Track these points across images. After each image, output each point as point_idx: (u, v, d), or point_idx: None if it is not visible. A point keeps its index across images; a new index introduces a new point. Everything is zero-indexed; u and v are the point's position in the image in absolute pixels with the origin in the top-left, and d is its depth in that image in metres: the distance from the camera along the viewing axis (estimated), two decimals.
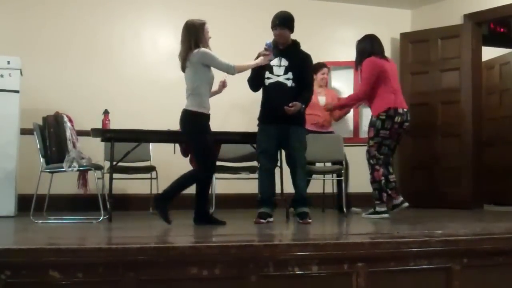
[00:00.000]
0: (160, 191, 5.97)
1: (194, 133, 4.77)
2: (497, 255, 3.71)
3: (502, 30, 8.41)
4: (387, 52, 7.74)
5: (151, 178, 6.17)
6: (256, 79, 5.16)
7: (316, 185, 6.77)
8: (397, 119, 5.49)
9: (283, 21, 5.13)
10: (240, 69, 4.80)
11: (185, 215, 5.80)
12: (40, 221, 5.06)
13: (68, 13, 6.72)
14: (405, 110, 5.55)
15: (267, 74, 5.11)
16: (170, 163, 6.06)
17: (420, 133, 7.52)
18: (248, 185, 6.21)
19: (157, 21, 7.07)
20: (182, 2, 7.07)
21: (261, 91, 5.25)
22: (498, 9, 7.05)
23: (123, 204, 6.21)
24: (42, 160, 5.32)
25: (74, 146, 5.35)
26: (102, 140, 5.59)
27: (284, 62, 5.12)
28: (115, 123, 5.63)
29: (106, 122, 5.55)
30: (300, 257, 3.26)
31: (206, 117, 4.82)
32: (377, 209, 5.56)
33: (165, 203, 4.73)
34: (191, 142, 4.91)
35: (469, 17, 7.33)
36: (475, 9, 7.25)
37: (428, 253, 3.52)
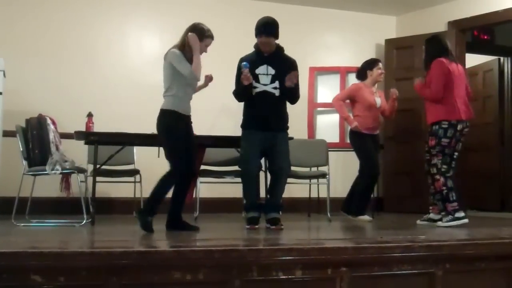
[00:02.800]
0: (144, 195, 5.97)
1: (164, 132, 4.59)
2: (479, 261, 3.74)
3: (485, 37, 8.49)
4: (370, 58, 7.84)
5: (134, 182, 6.14)
6: (245, 93, 5.03)
7: (301, 190, 6.79)
8: (459, 126, 5.31)
9: (270, 30, 5.01)
10: (196, 69, 4.53)
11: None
12: (22, 224, 5.01)
13: (53, 15, 6.68)
14: (468, 119, 5.38)
15: (254, 83, 4.99)
16: (154, 166, 6.00)
17: (403, 138, 7.56)
18: (233, 189, 6.21)
19: (142, 24, 7.05)
20: (167, 6, 7.06)
21: None
22: (481, 17, 7.12)
23: (106, 208, 6.17)
24: (24, 162, 5.27)
25: (57, 148, 5.31)
26: (86, 143, 5.55)
27: (271, 71, 5.02)
28: (99, 126, 5.61)
29: (90, 124, 5.52)
30: (284, 262, 3.26)
31: (180, 116, 4.59)
32: (456, 215, 5.27)
33: (148, 217, 4.51)
34: (162, 142, 4.69)
35: (453, 24, 7.40)
36: (459, 17, 7.32)
37: (411, 258, 3.54)
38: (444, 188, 5.30)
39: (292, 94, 5.04)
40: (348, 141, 6.31)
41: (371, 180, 6.02)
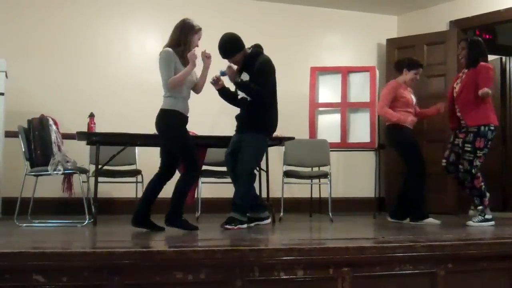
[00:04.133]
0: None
1: (169, 132, 4.59)
2: (481, 261, 3.74)
3: (487, 36, 8.47)
4: (373, 58, 7.85)
5: (136, 182, 6.14)
6: (226, 98, 5.20)
7: (303, 190, 6.79)
8: (495, 132, 5.48)
9: (224, 53, 5.00)
10: (173, 83, 4.50)
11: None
12: (24, 224, 5.02)
13: (54, 16, 6.68)
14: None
15: (238, 90, 5.09)
16: (156, 167, 6.01)
17: None
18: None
19: (143, 23, 7.05)
20: (168, 5, 7.06)
21: None
22: (483, 16, 7.12)
23: (108, 208, 6.18)
24: (26, 163, 5.28)
25: (59, 149, 5.32)
26: (88, 144, 5.56)
27: (246, 77, 5.03)
28: (101, 126, 5.61)
29: (92, 125, 5.52)
30: (286, 262, 3.27)
31: (182, 116, 4.60)
32: (486, 216, 5.40)
33: (178, 218, 4.58)
34: (167, 143, 4.68)
35: (454, 23, 7.40)
36: (461, 16, 7.32)
37: (413, 258, 3.54)
38: (482, 184, 5.44)
39: (242, 90, 5.05)
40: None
41: (424, 177, 5.83)
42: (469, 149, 5.44)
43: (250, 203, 5.05)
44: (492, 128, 5.42)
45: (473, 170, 5.42)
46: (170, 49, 4.53)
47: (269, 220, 5.23)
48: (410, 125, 5.87)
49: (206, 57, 4.71)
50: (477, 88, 5.37)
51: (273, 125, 5.13)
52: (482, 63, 5.47)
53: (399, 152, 5.99)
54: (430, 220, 5.67)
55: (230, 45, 4.99)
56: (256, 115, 5.02)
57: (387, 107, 5.86)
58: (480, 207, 5.47)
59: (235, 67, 5.03)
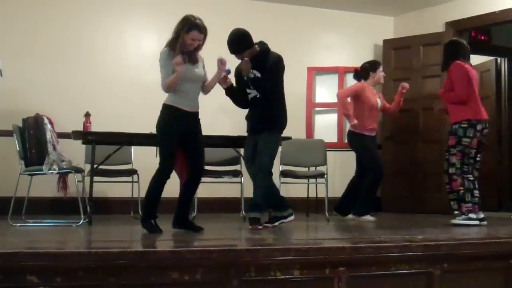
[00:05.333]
0: (142, 195, 5.96)
1: (158, 126, 4.51)
2: (476, 260, 3.75)
3: (483, 38, 8.51)
4: (370, 59, 7.82)
5: (132, 182, 6.13)
6: (233, 97, 5.07)
7: (299, 190, 6.79)
8: (478, 127, 5.38)
9: (234, 49, 4.92)
10: (168, 86, 4.44)
11: (166, 219, 5.77)
12: (18, 224, 5.00)
13: (51, 15, 6.66)
14: (486, 119, 5.47)
15: (248, 89, 5.01)
16: (152, 166, 5.97)
17: (401, 138, 7.57)
18: (231, 189, 6.20)
19: (140, 22, 7.03)
20: (165, 4, 7.05)
21: None
22: (479, 18, 7.13)
23: (103, 208, 6.16)
24: (21, 162, 5.26)
25: (54, 148, 5.30)
26: (83, 143, 5.54)
27: (258, 75, 4.96)
28: (97, 126, 5.60)
29: (88, 124, 5.51)
30: (282, 262, 3.26)
31: (180, 112, 4.49)
32: (470, 215, 5.33)
33: (180, 222, 4.58)
34: (157, 138, 4.60)
35: (450, 25, 7.41)
36: (457, 17, 7.33)
37: (409, 258, 3.54)
38: (461, 188, 5.36)
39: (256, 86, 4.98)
40: (346, 141, 6.31)
41: (377, 181, 6.08)
42: (445, 148, 5.52)
43: (274, 201, 5.04)
44: (464, 125, 5.35)
45: (450, 170, 5.41)
46: (166, 49, 4.49)
47: (292, 217, 5.05)
48: (364, 131, 6.08)
49: (221, 63, 4.65)
50: (451, 89, 5.43)
51: (286, 121, 5.10)
52: (454, 63, 5.44)
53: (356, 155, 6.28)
54: (368, 217, 5.94)
55: (240, 41, 4.92)
56: (270, 113, 4.99)
57: (346, 98, 6.14)
58: (457, 212, 5.40)
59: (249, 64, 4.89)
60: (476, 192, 5.40)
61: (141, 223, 4.51)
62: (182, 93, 4.50)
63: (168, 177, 4.54)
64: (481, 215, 5.41)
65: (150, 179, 4.54)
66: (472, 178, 5.41)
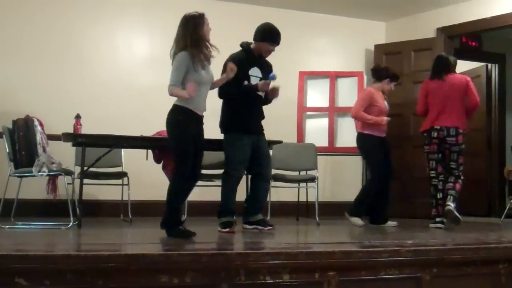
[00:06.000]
0: (132, 198, 5.95)
1: (172, 128, 4.42)
2: (466, 265, 3.76)
3: (473, 44, 8.55)
4: (361, 63, 7.87)
5: (122, 184, 6.11)
6: (237, 91, 5.01)
7: (290, 194, 6.79)
8: (433, 134, 5.82)
9: (280, 40, 5.14)
10: (174, 95, 4.45)
11: (158, 222, 5.76)
12: (7, 226, 4.97)
13: (41, 15, 6.63)
14: (444, 126, 5.78)
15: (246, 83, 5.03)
16: (142, 169, 6.02)
17: (392, 143, 7.56)
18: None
19: (131, 25, 7.01)
20: (156, 7, 7.04)
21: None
22: (469, 24, 7.17)
23: (93, 210, 6.13)
24: (10, 164, 5.23)
25: (44, 150, 5.28)
26: (73, 145, 5.52)
27: (259, 73, 5.08)
28: (87, 128, 5.56)
29: (78, 126, 5.48)
30: (272, 266, 3.26)
31: (192, 114, 4.43)
32: (436, 219, 5.77)
33: (172, 227, 4.36)
34: (170, 140, 4.48)
35: (441, 30, 7.45)
36: (448, 23, 7.37)
37: (399, 263, 3.55)
38: (432, 193, 5.86)
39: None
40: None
41: (374, 187, 6.08)
42: None
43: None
44: (425, 134, 5.93)
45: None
46: (185, 53, 4.39)
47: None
48: (377, 133, 6.11)
49: (231, 70, 4.65)
50: None
51: None
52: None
53: (364, 158, 6.29)
54: (357, 220, 5.95)
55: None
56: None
57: (362, 112, 6.06)
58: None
59: None
60: (439, 195, 5.81)
61: (169, 232, 4.33)
62: (196, 96, 4.43)
63: (190, 179, 4.44)
64: (438, 219, 5.74)
65: (169, 187, 4.43)
66: (435, 183, 5.84)
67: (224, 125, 5.10)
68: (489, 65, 8.49)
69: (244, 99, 5.01)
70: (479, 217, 7.51)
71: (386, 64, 7.30)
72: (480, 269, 3.80)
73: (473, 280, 3.79)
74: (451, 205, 5.62)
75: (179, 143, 4.37)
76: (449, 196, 5.69)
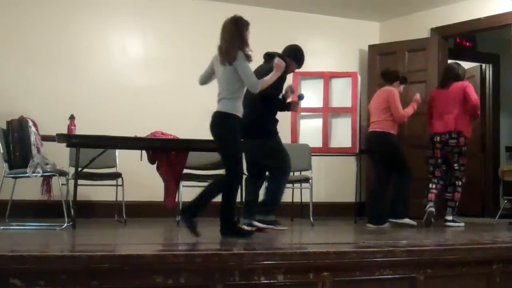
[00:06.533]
0: (126, 198, 5.94)
1: (225, 136, 4.40)
2: (460, 266, 3.77)
3: (467, 44, 8.58)
4: (355, 64, 7.88)
5: (116, 185, 6.10)
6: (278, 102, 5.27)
7: (284, 194, 6.78)
8: (436, 138, 6.16)
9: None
10: (263, 87, 4.47)
11: (153, 223, 5.78)
12: (2, 227, 4.95)
13: (34, 16, 6.60)
14: (447, 131, 6.10)
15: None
16: (137, 170, 6.01)
17: None
18: None
19: (125, 26, 6.99)
20: (150, 8, 7.03)
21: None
22: (464, 24, 7.19)
23: (88, 211, 6.12)
24: (5, 165, 5.22)
25: (38, 151, 5.27)
26: (68, 146, 5.51)
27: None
28: (81, 129, 5.56)
29: (72, 127, 5.47)
30: (266, 266, 3.26)
31: (239, 119, 4.44)
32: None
33: (192, 215, 4.40)
34: (221, 146, 4.49)
35: (436, 30, 7.47)
36: (442, 23, 7.39)
37: (393, 263, 3.56)
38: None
39: None
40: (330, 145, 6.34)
41: (410, 181, 6.14)
42: None
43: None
44: (429, 140, 6.34)
45: None
46: (242, 52, 4.37)
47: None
48: (395, 132, 6.18)
49: (279, 66, 4.63)
50: None
51: None
52: None
53: (390, 158, 6.16)
54: (410, 220, 5.98)
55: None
56: None
57: (402, 110, 6.15)
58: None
59: None
60: (431, 185, 6.18)
61: (228, 233, 4.37)
62: (240, 100, 4.46)
63: (241, 179, 4.56)
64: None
65: (224, 190, 4.44)
66: (430, 186, 6.18)
67: (269, 131, 5.20)
68: (483, 65, 8.52)
69: (276, 108, 5.29)
70: (473, 217, 7.53)
71: (380, 65, 7.36)
72: (474, 269, 3.81)
73: (467, 280, 3.80)
74: (448, 218, 6.01)
75: (233, 148, 4.40)
76: (448, 209, 6.04)
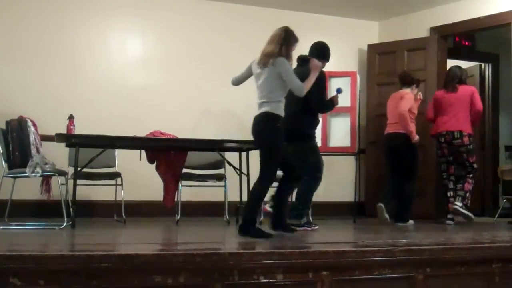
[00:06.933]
0: (125, 198, 5.94)
1: (271, 137, 4.44)
2: (459, 265, 3.77)
3: (466, 43, 8.58)
4: (354, 63, 7.88)
5: (116, 185, 6.09)
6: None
7: None
8: (441, 139, 6.36)
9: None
10: (306, 88, 4.57)
11: (152, 222, 5.77)
12: (1, 227, 4.95)
13: (33, 16, 6.60)
14: (449, 130, 6.28)
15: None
16: (136, 169, 6.01)
17: None
18: (215, 192, 6.19)
19: (124, 25, 6.98)
20: (149, 8, 7.03)
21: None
22: (463, 23, 7.19)
23: (87, 211, 6.13)
24: (4, 164, 5.22)
25: (37, 151, 5.27)
26: (67, 146, 5.51)
27: None
28: (80, 129, 5.56)
29: (71, 127, 5.47)
30: (265, 266, 3.26)
31: (282, 121, 4.48)
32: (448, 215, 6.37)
33: (252, 226, 4.41)
34: (263, 145, 4.50)
35: (435, 30, 7.47)
36: (441, 23, 7.39)
37: (392, 262, 3.56)
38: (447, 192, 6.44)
39: None
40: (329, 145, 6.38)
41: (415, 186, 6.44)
42: None
43: None
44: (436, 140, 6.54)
45: None
46: (283, 58, 4.48)
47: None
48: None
49: (317, 66, 4.77)
50: None
51: None
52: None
53: (410, 159, 6.37)
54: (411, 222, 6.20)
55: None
56: None
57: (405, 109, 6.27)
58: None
59: None
60: (449, 194, 6.34)
61: (248, 233, 4.34)
62: (282, 103, 4.52)
63: (273, 182, 4.60)
64: (448, 216, 6.30)
65: (254, 189, 4.48)
66: (445, 183, 6.43)
67: (307, 134, 5.35)
68: (483, 64, 8.52)
69: (324, 109, 5.55)
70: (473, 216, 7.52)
71: (379, 65, 7.39)
72: (473, 268, 3.81)
73: (466, 280, 3.80)
74: (457, 204, 6.14)
75: (275, 151, 4.46)
76: (457, 197, 6.22)
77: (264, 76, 4.46)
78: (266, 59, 4.48)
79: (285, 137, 4.55)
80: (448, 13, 7.32)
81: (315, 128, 5.45)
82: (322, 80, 5.14)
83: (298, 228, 5.02)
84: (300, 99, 4.74)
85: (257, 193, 4.45)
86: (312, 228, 5.28)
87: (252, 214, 4.44)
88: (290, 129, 4.70)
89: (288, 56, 4.53)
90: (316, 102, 5.19)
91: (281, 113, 4.46)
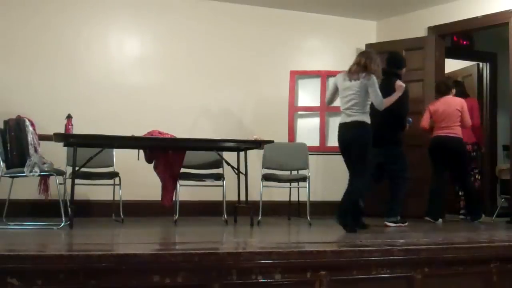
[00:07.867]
0: (123, 198, 5.94)
1: (367, 143, 5.05)
2: (457, 264, 3.77)
3: (465, 43, 8.58)
4: (352, 62, 7.88)
5: (114, 184, 6.09)
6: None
7: (282, 193, 6.80)
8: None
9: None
10: (386, 105, 5.24)
11: (150, 222, 5.77)
12: None
13: (32, 16, 6.60)
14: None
15: None
16: (134, 169, 6.01)
17: None
18: (213, 192, 6.19)
19: (123, 25, 6.98)
20: (148, 8, 7.02)
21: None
22: (461, 23, 7.19)
23: (85, 210, 6.11)
24: (2, 164, 5.21)
25: (35, 150, 5.27)
26: (65, 145, 5.51)
27: None
28: (78, 128, 5.55)
29: (69, 126, 5.46)
30: (263, 265, 3.26)
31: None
32: None
33: (356, 224, 5.13)
34: (360, 151, 5.07)
35: (433, 29, 7.47)
36: (439, 22, 7.39)
37: (390, 262, 3.56)
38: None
39: None
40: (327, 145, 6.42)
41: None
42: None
43: None
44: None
45: None
46: (375, 78, 5.12)
47: None
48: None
49: (401, 87, 5.59)
50: None
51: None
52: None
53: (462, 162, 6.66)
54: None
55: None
56: None
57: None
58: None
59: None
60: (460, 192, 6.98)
61: (342, 222, 5.02)
62: (368, 112, 5.16)
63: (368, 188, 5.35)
64: (461, 211, 6.88)
65: (356, 186, 5.15)
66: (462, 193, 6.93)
67: (398, 141, 6.04)
68: (481, 64, 8.52)
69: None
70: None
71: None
72: (471, 268, 3.81)
73: (464, 279, 3.80)
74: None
75: (368, 154, 5.09)
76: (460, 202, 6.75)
77: (355, 89, 5.09)
78: (360, 72, 5.12)
79: (379, 142, 5.36)
80: (446, 12, 7.32)
81: (402, 134, 6.10)
82: (406, 93, 5.81)
83: (393, 225, 5.72)
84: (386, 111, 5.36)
85: (360, 189, 5.12)
86: (405, 224, 5.81)
87: (349, 210, 5.06)
88: (380, 135, 5.46)
89: (379, 75, 5.21)
90: (399, 115, 5.88)
91: (369, 120, 5.12)
